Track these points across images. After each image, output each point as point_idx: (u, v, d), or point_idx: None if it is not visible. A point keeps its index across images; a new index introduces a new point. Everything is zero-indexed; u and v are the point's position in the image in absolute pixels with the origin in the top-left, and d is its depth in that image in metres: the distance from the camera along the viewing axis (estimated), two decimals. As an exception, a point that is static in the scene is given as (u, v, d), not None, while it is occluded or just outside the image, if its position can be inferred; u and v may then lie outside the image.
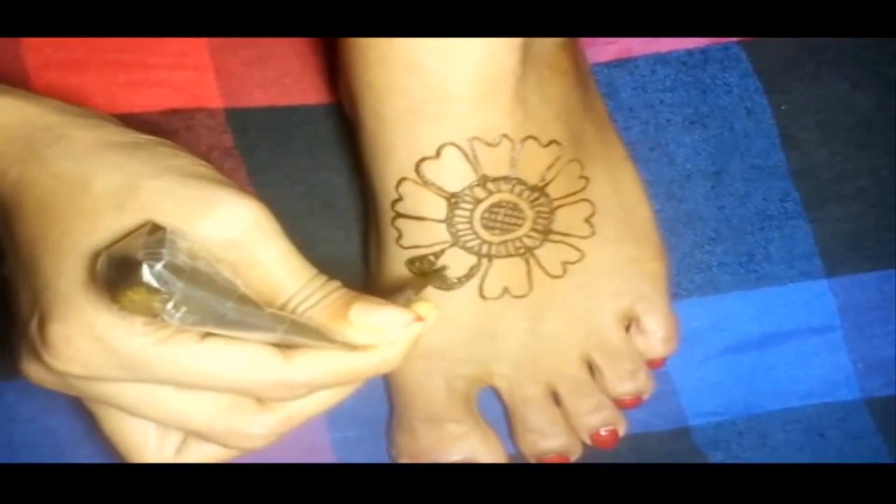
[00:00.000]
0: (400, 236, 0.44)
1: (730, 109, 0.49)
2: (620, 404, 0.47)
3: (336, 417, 0.47)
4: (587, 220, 0.45)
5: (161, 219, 0.34)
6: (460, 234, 0.43)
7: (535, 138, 0.42)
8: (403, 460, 0.47)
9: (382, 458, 0.48)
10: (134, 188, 0.35)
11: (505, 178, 0.43)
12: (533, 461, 0.47)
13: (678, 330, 0.47)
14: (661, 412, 0.49)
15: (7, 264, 0.38)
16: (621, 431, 0.47)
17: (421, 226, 0.43)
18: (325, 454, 0.47)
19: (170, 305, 0.32)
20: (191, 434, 0.38)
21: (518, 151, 0.42)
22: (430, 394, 0.46)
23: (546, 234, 0.44)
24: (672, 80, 0.49)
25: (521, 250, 0.44)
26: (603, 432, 0.47)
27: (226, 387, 0.36)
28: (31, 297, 0.35)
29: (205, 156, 0.48)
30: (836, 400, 0.49)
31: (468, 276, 0.44)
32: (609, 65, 0.49)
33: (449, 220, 0.43)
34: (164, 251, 0.33)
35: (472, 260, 0.44)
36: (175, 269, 0.33)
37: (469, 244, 0.43)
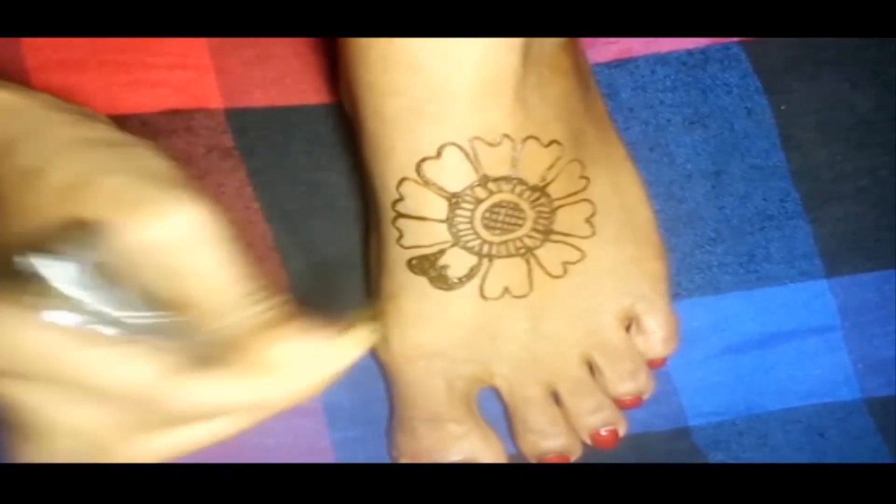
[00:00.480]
0: (401, 236, 0.44)
1: (730, 109, 0.49)
2: (620, 404, 0.47)
3: (336, 417, 0.47)
4: (588, 221, 0.45)
5: (98, 216, 0.33)
6: (461, 234, 0.43)
7: (536, 138, 0.42)
8: (404, 460, 0.47)
9: (382, 458, 0.48)
10: (83, 185, 0.34)
11: (506, 178, 0.43)
12: (533, 461, 0.47)
13: (678, 330, 0.47)
14: (661, 412, 0.49)
15: None
16: (621, 431, 0.47)
17: (422, 226, 0.43)
18: (325, 454, 0.47)
19: (87, 301, 0.32)
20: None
21: (519, 151, 0.42)
22: (431, 394, 0.46)
23: (547, 234, 0.44)
24: (672, 81, 0.50)
25: (522, 250, 0.44)
26: (603, 432, 0.47)
27: (105, 390, 0.33)
28: None
29: (205, 156, 0.48)
30: (836, 400, 0.49)
31: (469, 276, 0.44)
32: (609, 65, 0.50)
33: (450, 220, 0.43)
34: (69, 247, 0.32)
35: (473, 260, 0.44)
36: (101, 270, 0.32)
37: (470, 244, 0.43)
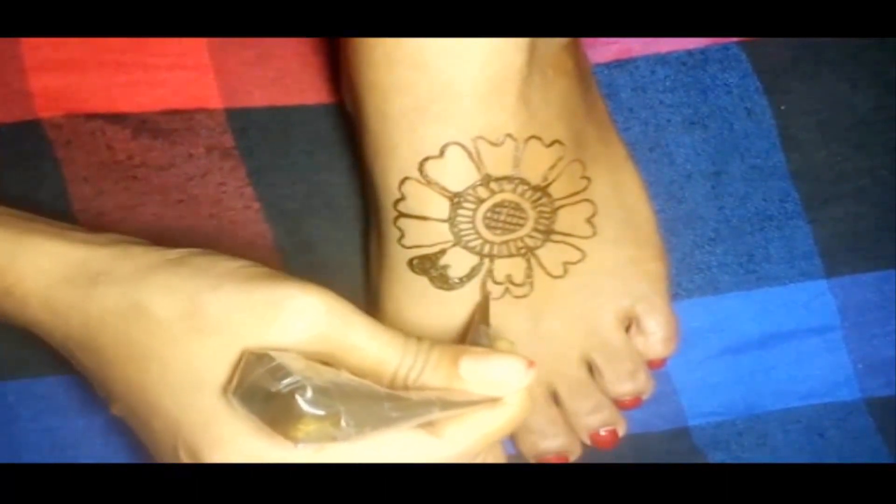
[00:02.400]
0: (402, 236, 0.43)
1: (730, 110, 0.49)
2: (620, 405, 0.47)
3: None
4: (588, 221, 0.45)
5: (239, 333, 0.35)
6: (462, 233, 0.43)
7: (539, 138, 0.42)
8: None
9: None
10: (196, 308, 0.36)
11: (508, 178, 0.43)
12: (532, 461, 0.47)
13: (678, 330, 0.47)
14: (661, 412, 0.49)
15: (112, 404, 0.39)
16: (621, 432, 0.47)
17: (423, 225, 0.43)
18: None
19: (343, 424, 0.33)
20: None
21: (521, 151, 0.42)
22: (430, 394, 0.46)
23: (548, 234, 0.44)
24: (672, 81, 0.50)
25: (523, 250, 0.44)
26: (602, 433, 0.47)
27: None
28: (162, 428, 0.36)
29: (205, 156, 0.48)
30: (836, 400, 0.49)
31: (469, 275, 0.44)
32: (609, 65, 0.49)
33: (451, 220, 0.43)
34: (297, 378, 0.33)
35: (474, 260, 0.44)
36: (320, 390, 0.33)
37: (471, 244, 0.43)
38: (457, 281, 0.44)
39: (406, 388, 0.36)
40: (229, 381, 0.35)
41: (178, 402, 0.36)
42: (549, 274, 0.45)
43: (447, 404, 0.36)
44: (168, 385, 0.36)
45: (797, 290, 0.49)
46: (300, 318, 0.35)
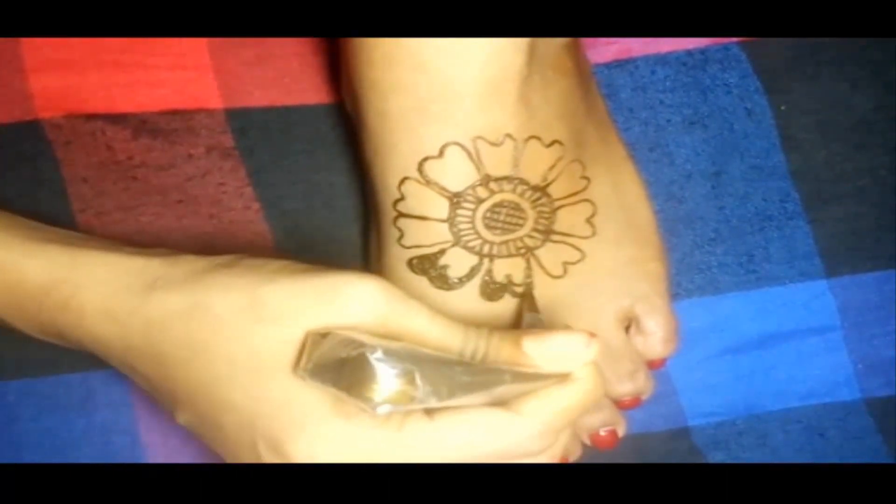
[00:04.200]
0: (401, 236, 0.43)
1: (730, 110, 0.49)
2: (620, 405, 0.47)
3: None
4: (588, 221, 0.45)
5: (300, 318, 0.35)
6: (462, 233, 0.43)
7: (538, 138, 0.42)
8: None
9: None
10: (255, 300, 0.36)
11: (507, 178, 0.43)
12: (532, 461, 0.47)
13: (678, 330, 0.47)
14: (661, 412, 0.49)
15: (178, 413, 0.38)
16: (621, 432, 0.47)
17: (423, 225, 0.43)
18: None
19: (419, 382, 0.33)
20: None
21: (521, 151, 0.42)
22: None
23: (547, 234, 0.44)
24: (672, 81, 0.50)
25: (523, 250, 0.44)
26: (602, 433, 0.47)
27: (473, 455, 0.36)
28: (235, 424, 0.36)
29: (205, 156, 0.48)
30: (836, 400, 0.49)
31: (469, 275, 0.44)
32: (609, 65, 0.50)
33: (451, 220, 0.43)
34: (366, 343, 0.33)
35: (474, 260, 0.44)
36: (391, 351, 0.33)
37: (470, 244, 0.43)
38: (456, 281, 0.44)
39: None
40: (297, 361, 0.35)
41: (249, 395, 0.35)
42: (548, 274, 0.45)
43: (517, 376, 0.35)
44: (236, 379, 0.36)
45: (797, 290, 0.49)
46: (359, 302, 0.35)
